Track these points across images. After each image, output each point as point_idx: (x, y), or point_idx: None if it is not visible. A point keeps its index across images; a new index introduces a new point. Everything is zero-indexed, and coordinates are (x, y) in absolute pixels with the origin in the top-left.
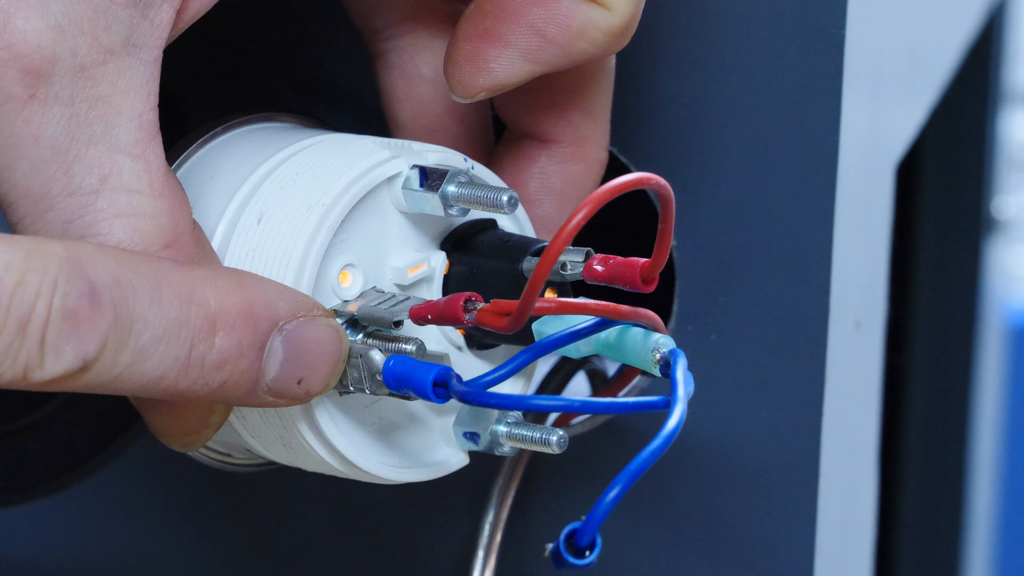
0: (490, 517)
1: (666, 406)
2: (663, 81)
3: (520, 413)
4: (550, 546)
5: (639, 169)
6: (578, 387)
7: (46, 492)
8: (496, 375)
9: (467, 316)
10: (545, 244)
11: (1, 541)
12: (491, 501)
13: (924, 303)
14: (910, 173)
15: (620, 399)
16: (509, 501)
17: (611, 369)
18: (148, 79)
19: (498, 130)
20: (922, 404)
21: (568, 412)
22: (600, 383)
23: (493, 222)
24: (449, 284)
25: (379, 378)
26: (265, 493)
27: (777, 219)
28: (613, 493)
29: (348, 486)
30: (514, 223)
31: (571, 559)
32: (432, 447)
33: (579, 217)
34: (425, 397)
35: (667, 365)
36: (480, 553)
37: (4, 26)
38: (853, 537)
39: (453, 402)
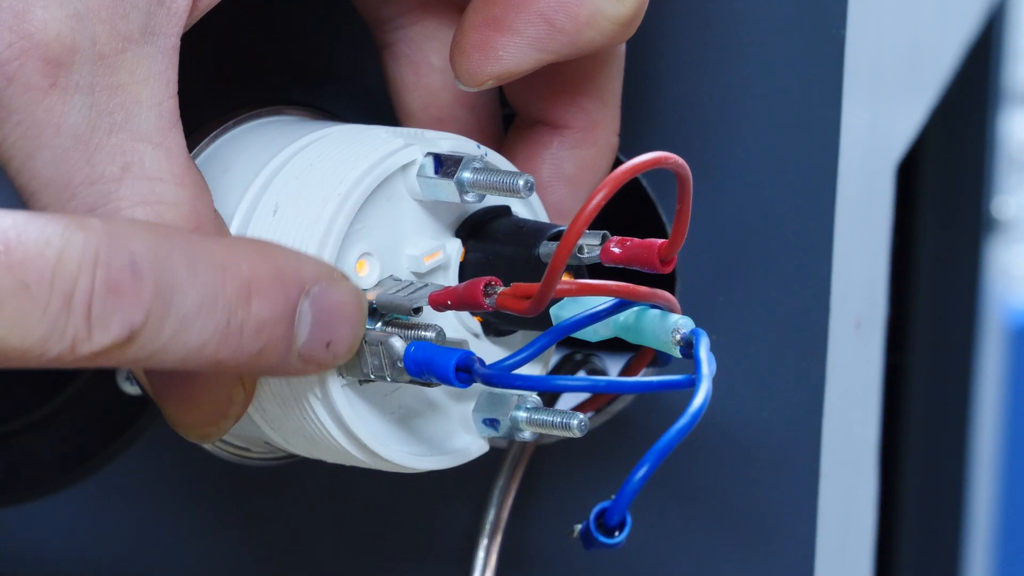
0: (490, 517)
1: (690, 385)
2: (663, 81)
3: (539, 398)
4: (579, 527)
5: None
6: None
7: (46, 492)
8: (518, 358)
9: (487, 300)
10: (561, 228)
11: (1, 541)
12: (491, 501)
13: (924, 303)
14: (910, 173)
15: (645, 379)
16: (509, 501)
17: (612, 369)
18: (167, 67)
19: (505, 120)
20: (922, 404)
21: (594, 392)
22: None
23: (507, 208)
24: (465, 271)
25: (400, 365)
26: (266, 489)
27: (777, 219)
28: (642, 472)
29: (351, 484)
30: (528, 209)
31: (601, 538)
32: (452, 434)
33: (598, 199)
34: (447, 382)
35: (688, 345)
36: (480, 553)
37: (23, 15)
38: (853, 536)
39: (472, 389)
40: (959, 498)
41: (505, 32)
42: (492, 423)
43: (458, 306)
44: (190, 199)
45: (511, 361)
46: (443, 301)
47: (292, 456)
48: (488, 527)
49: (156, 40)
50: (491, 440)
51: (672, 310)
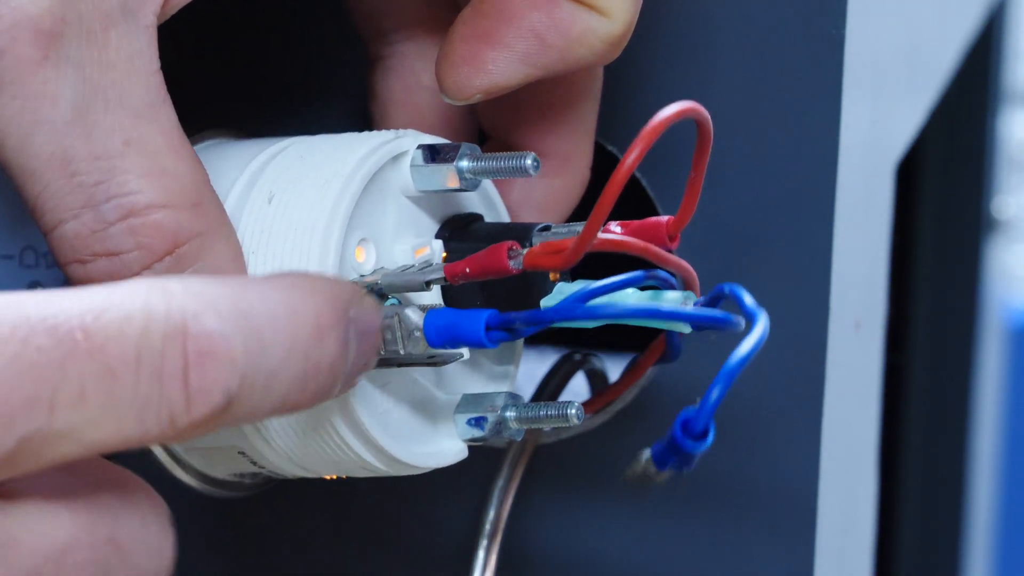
0: (490, 517)
1: (735, 324)
2: (663, 81)
3: (521, 397)
4: (647, 452)
5: (640, 171)
6: (578, 388)
7: None
8: (561, 303)
9: (512, 263)
10: (548, 224)
11: None
12: (491, 501)
13: (924, 303)
14: (910, 173)
15: (701, 310)
16: (509, 501)
17: (612, 369)
18: (148, 44)
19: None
20: (922, 404)
21: (655, 317)
22: (599, 383)
23: (480, 216)
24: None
25: (418, 335)
26: (263, 493)
27: (777, 219)
28: (716, 392)
29: (349, 484)
30: (496, 219)
31: (690, 445)
32: (442, 432)
33: (636, 152)
34: (476, 343)
35: (711, 304)
36: (480, 553)
37: None
38: (853, 537)
39: (458, 387)
40: (959, 498)
41: (495, 46)
42: (478, 422)
43: (478, 273)
44: (190, 172)
45: (553, 307)
46: (460, 271)
47: (264, 483)
48: (488, 527)
49: (134, 18)
50: (491, 441)
51: (688, 279)
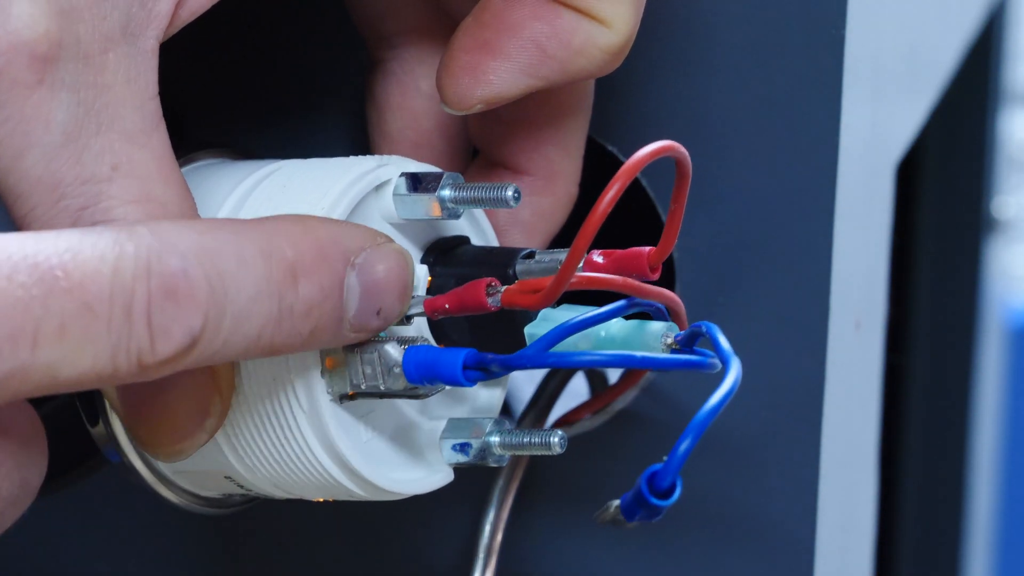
0: (490, 517)
1: (710, 366)
2: (663, 81)
3: (508, 423)
4: (615, 502)
5: (641, 173)
6: (577, 388)
7: (44, 492)
8: (534, 347)
9: (490, 300)
10: (532, 251)
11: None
12: (491, 501)
13: (924, 303)
14: (910, 173)
15: (673, 356)
16: (509, 501)
17: (610, 372)
18: (147, 68)
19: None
20: (922, 404)
21: (627, 366)
22: (599, 384)
23: (466, 238)
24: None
25: (397, 371)
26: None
27: (777, 219)
28: (685, 445)
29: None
30: (483, 240)
31: (654, 500)
32: (425, 459)
33: (615, 189)
34: (454, 381)
35: (689, 340)
36: (480, 553)
37: (8, 9)
38: (853, 537)
39: (443, 413)
40: (959, 498)
41: (497, 56)
42: (462, 448)
43: (457, 309)
44: (178, 199)
45: (523, 352)
46: (440, 306)
47: (252, 500)
48: (488, 527)
49: (135, 41)
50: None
51: (673, 308)
